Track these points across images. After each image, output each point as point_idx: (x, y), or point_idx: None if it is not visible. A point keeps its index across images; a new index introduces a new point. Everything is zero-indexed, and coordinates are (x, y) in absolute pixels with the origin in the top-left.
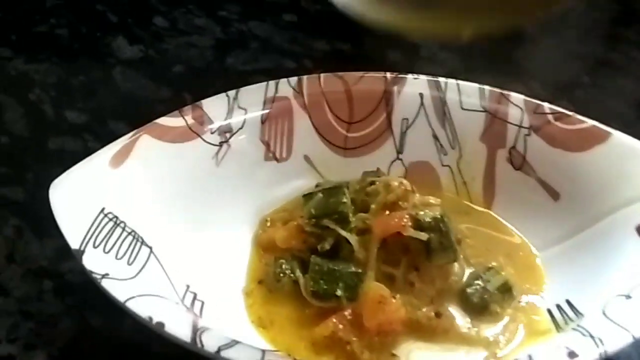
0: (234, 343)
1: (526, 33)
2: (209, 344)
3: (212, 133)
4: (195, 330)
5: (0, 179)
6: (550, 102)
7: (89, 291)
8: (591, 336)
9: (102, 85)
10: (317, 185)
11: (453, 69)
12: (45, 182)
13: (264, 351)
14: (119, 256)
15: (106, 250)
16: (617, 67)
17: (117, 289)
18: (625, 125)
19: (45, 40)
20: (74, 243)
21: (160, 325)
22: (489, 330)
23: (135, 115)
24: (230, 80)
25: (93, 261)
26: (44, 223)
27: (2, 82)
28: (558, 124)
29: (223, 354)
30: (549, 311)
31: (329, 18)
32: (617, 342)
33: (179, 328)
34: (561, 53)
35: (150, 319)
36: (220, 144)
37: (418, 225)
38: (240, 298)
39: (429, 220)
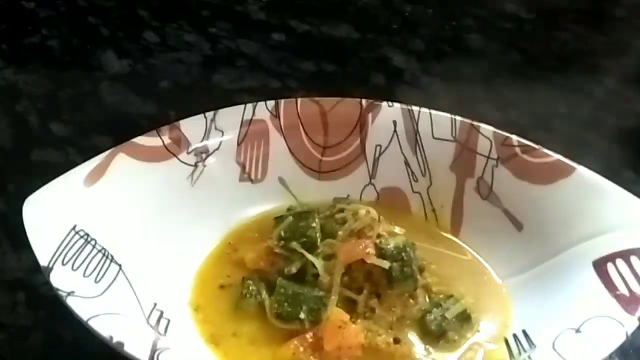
0: None
1: (510, 61)
2: None
3: (188, 153)
4: (154, 351)
5: None
6: (525, 132)
7: (61, 304)
8: None
9: (88, 99)
10: (289, 209)
11: (433, 94)
12: (26, 194)
13: None
14: (87, 274)
15: (75, 267)
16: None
17: (81, 307)
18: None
19: (36, 51)
20: (43, 260)
21: (120, 344)
22: (446, 358)
23: (119, 130)
24: (215, 98)
25: (60, 278)
26: (23, 235)
27: None
28: (525, 156)
29: None
30: (506, 340)
31: (317, 39)
32: None
33: (137, 348)
34: (543, 83)
35: (111, 338)
36: (196, 164)
37: (381, 253)
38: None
39: (392, 249)
